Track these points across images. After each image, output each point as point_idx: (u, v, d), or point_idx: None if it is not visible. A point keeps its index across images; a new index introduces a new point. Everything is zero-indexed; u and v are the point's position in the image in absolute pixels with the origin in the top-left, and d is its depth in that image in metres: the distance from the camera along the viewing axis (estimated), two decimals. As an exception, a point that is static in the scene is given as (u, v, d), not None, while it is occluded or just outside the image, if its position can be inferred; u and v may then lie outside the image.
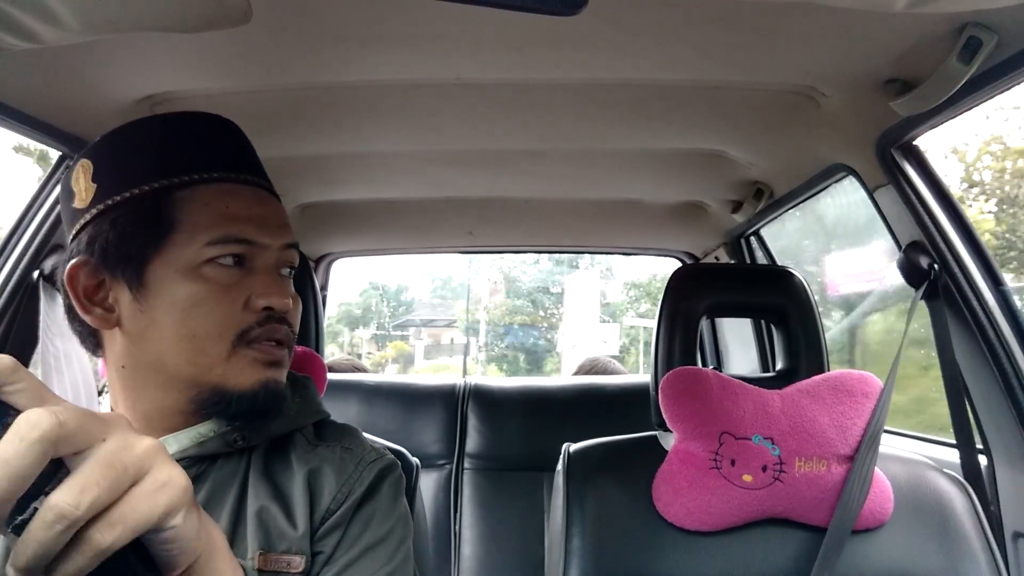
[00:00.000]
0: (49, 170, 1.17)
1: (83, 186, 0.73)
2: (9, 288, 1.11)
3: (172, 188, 0.72)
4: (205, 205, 0.71)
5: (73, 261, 0.72)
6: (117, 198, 0.71)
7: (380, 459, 0.79)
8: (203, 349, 0.70)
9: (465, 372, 17.22)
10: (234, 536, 0.71)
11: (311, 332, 1.25)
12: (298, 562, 0.70)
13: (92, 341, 0.76)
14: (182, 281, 0.70)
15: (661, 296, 1.14)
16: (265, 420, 0.76)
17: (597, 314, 16.42)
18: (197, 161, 0.73)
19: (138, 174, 0.72)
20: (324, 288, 2.44)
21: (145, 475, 0.40)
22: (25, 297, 1.10)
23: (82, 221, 0.73)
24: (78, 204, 0.73)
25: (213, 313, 0.70)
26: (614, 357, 2.63)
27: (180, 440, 0.74)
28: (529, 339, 18.57)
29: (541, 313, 18.89)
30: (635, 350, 16.85)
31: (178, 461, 0.72)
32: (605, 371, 2.46)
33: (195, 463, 0.73)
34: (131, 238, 0.70)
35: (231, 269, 0.71)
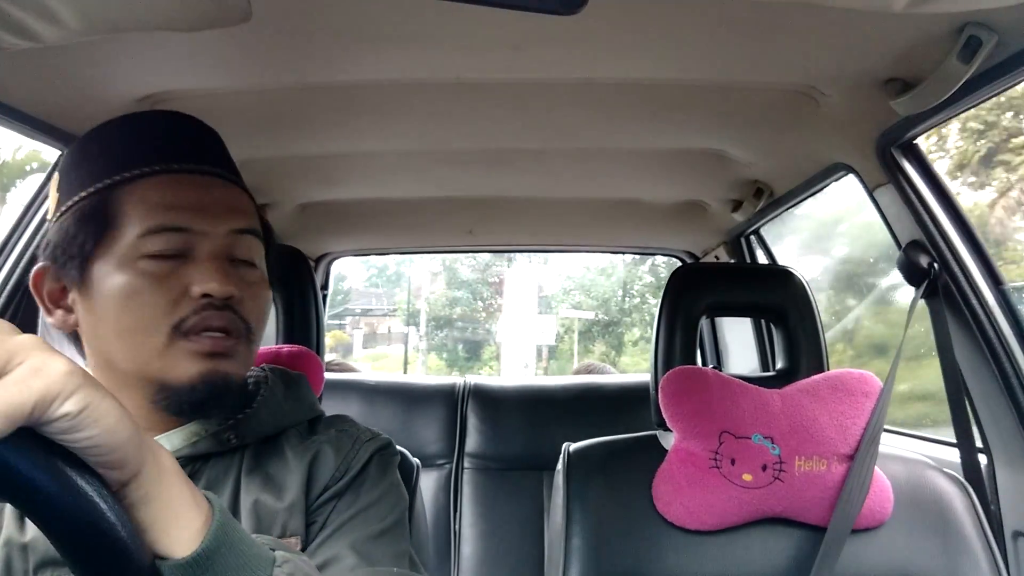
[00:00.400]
0: (49, 170, 1.17)
1: (52, 199, 0.76)
2: (8, 288, 1.11)
3: (115, 186, 0.71)
4: (141, 198, 0.71)
5: (36, 268, 0.74)
6: (69, 203, 0.73)
7: (376, 438, 0.80)
8: (141, 343, 0.69)
9: (406, 361, 17.27)
10: None
11: (311, 332, 1.25)
12: (293, 543, 0.71)
13: (77, 346, 0.77)
14: (118, 274, 0.70)
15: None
16: (258, 416, 0.76)
17: (535, 305, 16.50)
18: (139, 156, 0.73)
19: (87, 178, 0.73)
20: (324, 288, 2.44)
21: (18, 366, 0.39)
22: (25, 297, 1.10)
23: (48, 230, 0.75)
24: (49, 216, 0.76)
25: (146, 305, 0.69)
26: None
27: (172, 440, 0.73)
28: (468, 330, 18.60)
29: (480, 303, 18.84)
30: (569, 339, 17.00)
31: None
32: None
33: (188, 462, 0.73)
34: (74, 237, 0.71)
35: (169, 260, 0.70)
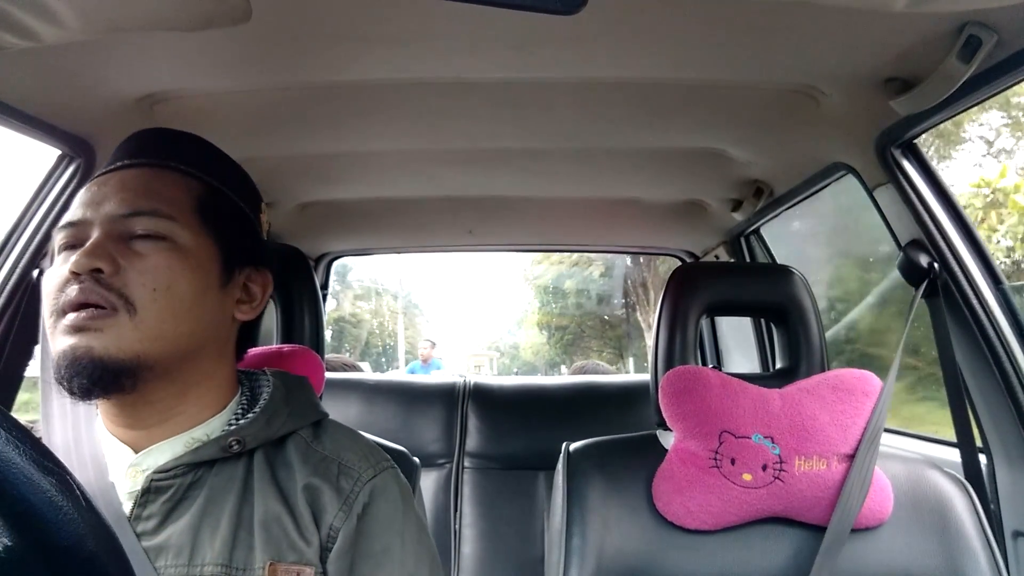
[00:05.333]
0: (49, 170, 1.17)
1: None
2: (9, 287, 1.11)
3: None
4: (72, 204, 0.76)
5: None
6: None
7: (378, 475, 0.77)
8: (47, 330, 0.71)
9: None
10: (235, 541, 0.71)
11: (311, 331, 1.25)
12: (308, 572, 0.71)
13: None
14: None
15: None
16: (260, 421, 0.76)
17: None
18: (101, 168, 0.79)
19: None
20: (324, 287, 2.44)
21: None
22: (25, 296, 1.10)
23: None
24: None
25: (45, 295, 0.71)
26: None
27: (174, 447, 0.73)
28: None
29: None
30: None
31: (174, 468, 0.71)
32: (595, 374, 2.47)
33: (191, 469, 0.72)
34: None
35: (70, 251, 0.72)
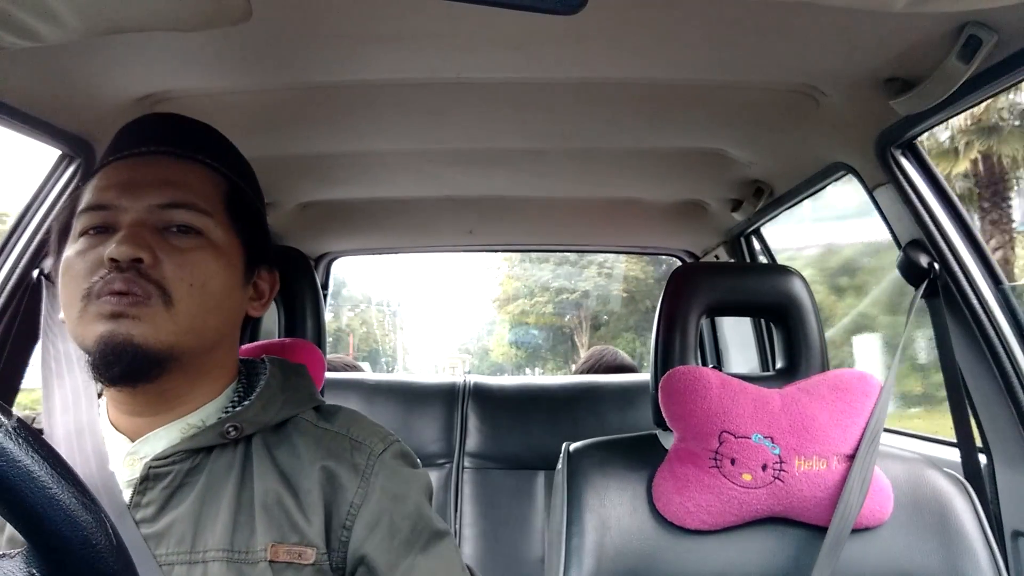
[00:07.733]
0: (49, 170, 1.17)
1: None
2: (9, 287, 1.11)
3: (91, 178, 0.77)
4: (91, 186, 0.75)
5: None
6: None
7: (387, 448, 0.78)
8: (69, 315, 0.71)
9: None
10: (236, 525, 0.71)
11: (313, 330, 1.25)
12: (310, 554, 0.71)
13: None
14: (65, 255, 0.73)
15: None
16: (256, 406, 0.76)
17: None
18: (113, 149, 0.78)
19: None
20: (325, 287, 2.44)
21: None
22: (26, 296, 1.10)
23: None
24: None
25: (72, 278, 0.71)
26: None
27: (171, 433, 0.74)
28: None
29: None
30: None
31: (172, 455, 0.71)
32: (613, 361, 2.44)
33: (189, 455, 0.73)
34: (60, 229, 0.77)
35: (96, 236, 0.72)
